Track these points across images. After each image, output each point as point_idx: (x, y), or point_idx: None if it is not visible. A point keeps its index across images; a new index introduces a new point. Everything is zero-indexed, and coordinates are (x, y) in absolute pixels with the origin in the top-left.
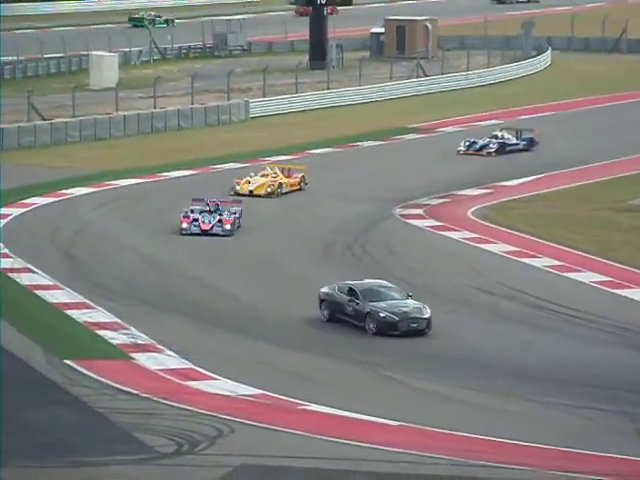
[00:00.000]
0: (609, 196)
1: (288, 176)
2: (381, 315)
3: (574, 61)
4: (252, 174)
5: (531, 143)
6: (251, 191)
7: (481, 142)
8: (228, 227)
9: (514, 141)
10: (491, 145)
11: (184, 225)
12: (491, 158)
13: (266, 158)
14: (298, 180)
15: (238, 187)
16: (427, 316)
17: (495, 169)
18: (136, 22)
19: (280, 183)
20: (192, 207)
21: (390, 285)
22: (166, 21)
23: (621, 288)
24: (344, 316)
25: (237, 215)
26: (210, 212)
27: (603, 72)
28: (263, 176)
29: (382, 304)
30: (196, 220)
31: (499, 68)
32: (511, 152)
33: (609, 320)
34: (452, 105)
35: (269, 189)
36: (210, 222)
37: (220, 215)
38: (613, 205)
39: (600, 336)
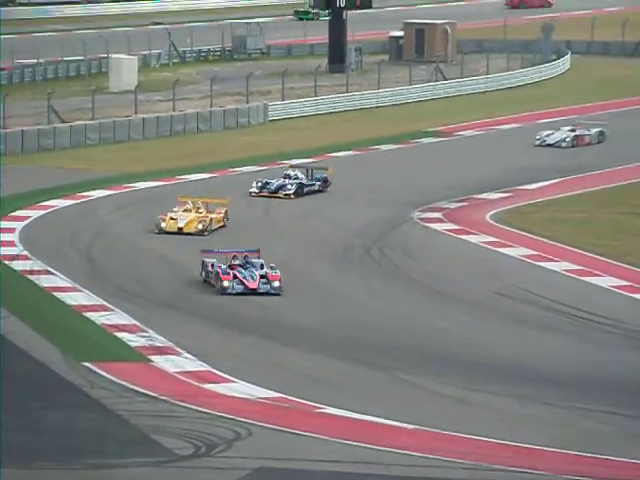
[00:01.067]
0: (629, 200)
1: (209, 211)
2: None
3: (593, 65)
4: (175, 209)
5: (325, 183)
6: (180, 228)
7: (276, 183)
8: (277, 284)
9: (308, 181)
10: (289, 187)
11: (225, 283)
12: None
13: (285, 161)
14: (222, 215)
15: (164, 224)
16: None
17: (512, 174)
18: (301, 15)
19: (210, 218)
20: (212, 261)
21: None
22: (329, 13)
23: None
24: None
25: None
26: (242, 265)
27: (622, 76)
28: (186, 211)
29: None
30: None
31: (519, 72)
32: (308, 193)
33: (628, 324)
34: (471, 109)
35: (200, 226)
36: (254, 279)
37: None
38: (632, 209)
39: (619, 340)
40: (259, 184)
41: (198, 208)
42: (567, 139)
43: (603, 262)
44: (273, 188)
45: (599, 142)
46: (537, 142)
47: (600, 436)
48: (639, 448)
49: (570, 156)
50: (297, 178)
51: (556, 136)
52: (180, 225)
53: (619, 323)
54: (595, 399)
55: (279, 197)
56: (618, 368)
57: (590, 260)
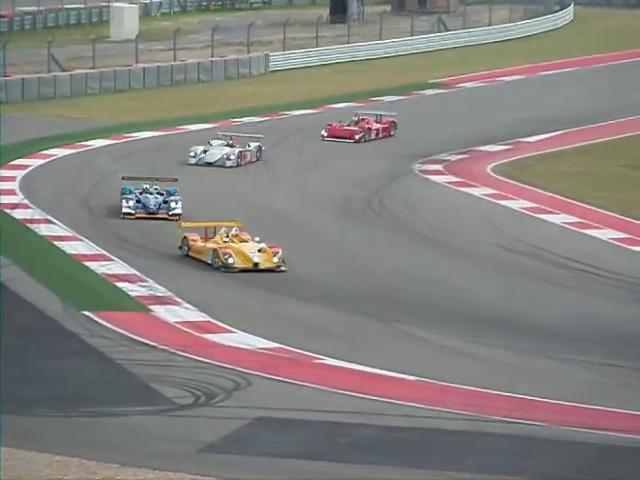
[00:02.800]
0: (630, 153)
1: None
2: None
3: (596, 16)
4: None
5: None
6: (256, 264)
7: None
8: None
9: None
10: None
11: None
12: (502, 113)
13: (286, 112)
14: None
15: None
16: None
17: (514, 126)
18: None
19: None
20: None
21: None
22: None
23: None
24: None
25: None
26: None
27: (626, 27)
28: (241, 240)
29: None
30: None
31: (521, 23)
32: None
33: (628, 277)
34: (473, 60)
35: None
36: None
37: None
38: (632, 162)
39: (619, 293)
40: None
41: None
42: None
43: (603, 215)
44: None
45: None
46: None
47: (600, 388)
48: (637, 399)
49: (575, 109)
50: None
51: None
52: (256, 261)
53: (619, 276)
54: (594, 351)
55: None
56: (618, 321)
57: (590, 213)
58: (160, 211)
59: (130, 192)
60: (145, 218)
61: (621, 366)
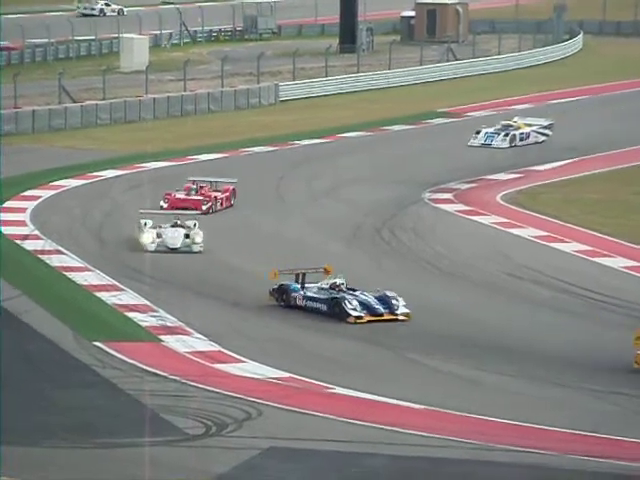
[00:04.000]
0: None
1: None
2: None
3: (605, 45)
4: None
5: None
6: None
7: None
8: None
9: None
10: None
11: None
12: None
13: (296, 142)
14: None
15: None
16: None
17: (525, 154)
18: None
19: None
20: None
21: None
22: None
23: None
24: None
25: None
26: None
27: (634, 56)
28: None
29: None
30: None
31: (530, 52)
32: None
33: (638, 305)
34: (482, 89)
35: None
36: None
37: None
38: None
39: (629, 322)
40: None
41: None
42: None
43: (614, 243)
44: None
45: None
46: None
47: (608, 416)
48: None
49: (585, 137)
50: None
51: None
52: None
53: (629, 304)
54: (605, 380)
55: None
56: (628, 349)
57: (601, 241)
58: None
59: None
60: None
61: (630, 394)
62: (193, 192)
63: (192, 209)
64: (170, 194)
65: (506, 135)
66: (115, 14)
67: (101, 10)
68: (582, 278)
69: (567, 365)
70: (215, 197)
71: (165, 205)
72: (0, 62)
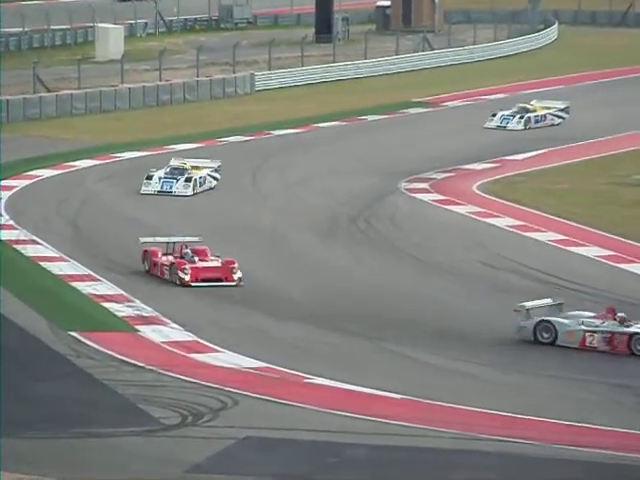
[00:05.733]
0: (614, 171)
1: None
2: None
3: (580, 35)
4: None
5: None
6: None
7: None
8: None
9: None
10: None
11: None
12: (496, 133)
13: (272, 131)
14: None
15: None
16: None
17: (500, 144)
18: None
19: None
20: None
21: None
22: None
23: (624, 262)
24: None
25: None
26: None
27: (609, 46)
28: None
29: None
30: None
31: (506, 42)
32: None
33: (612, 294)
34: (458, 79)
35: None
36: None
37: None
38: (617, 180)
39: (603, 309)
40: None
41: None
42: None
43: (588, 232)
44: None
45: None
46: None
47: (586, 404)
48: (623, 416)
49: (560, 127)
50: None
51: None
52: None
53: (603, 292)
54: (579, 368)
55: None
56: None
57: (575, 230)
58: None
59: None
60: None
61: (605, 382)
62: (189, 255)
63: (219, 280)
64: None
65: (521, 117)
66: None
67: None
68: (557, 267)
69: (541, 353)
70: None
71: (187, 277)
72: None
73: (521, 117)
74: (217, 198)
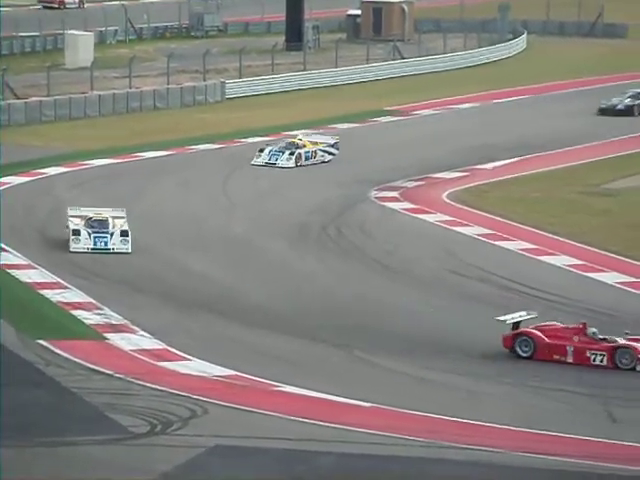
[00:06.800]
0: (583, 180)
1: None
2: None
3: (549, 45)
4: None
5: None
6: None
7: None
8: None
9: None
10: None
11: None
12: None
13: (242, 139)
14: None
15: None
16: None
17: (469, 153)
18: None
19: None
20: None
21: None
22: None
23: (594, 271)
24: None
25: None
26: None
27: (578, 56)
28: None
29: None
30: None
31: (475, 51)
32: None
33: (582, 303)
34: (428, 88)
35: None
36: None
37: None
38: (587, 189)
39: (573, 319)
40: None
41: None
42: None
43: (557, 241)
44: None
45: None
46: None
47: (552, 413)
48: (591, 425)
49: (530, 136)
50: None
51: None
52: None
53: (573, 302)
54: (548, 377)
55: None
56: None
57: (544, 239)
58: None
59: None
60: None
61: (574, 391)
62: None
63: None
64: None
65: (291, 154)
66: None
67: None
68: (526, 276)
69: (510, 362)
70: None
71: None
72: None
73: (291, 153)
74: (185, 204)
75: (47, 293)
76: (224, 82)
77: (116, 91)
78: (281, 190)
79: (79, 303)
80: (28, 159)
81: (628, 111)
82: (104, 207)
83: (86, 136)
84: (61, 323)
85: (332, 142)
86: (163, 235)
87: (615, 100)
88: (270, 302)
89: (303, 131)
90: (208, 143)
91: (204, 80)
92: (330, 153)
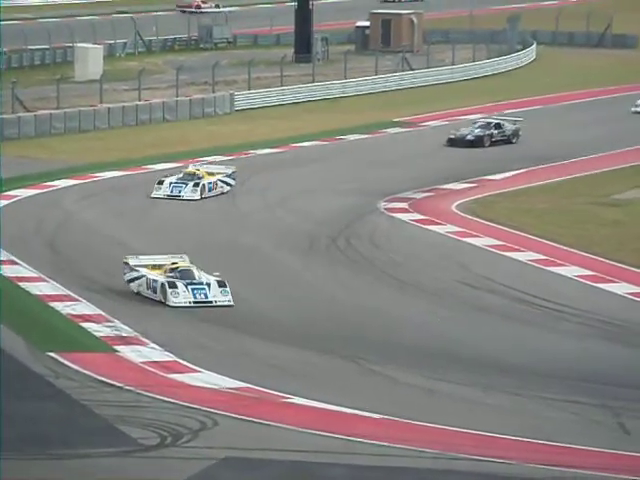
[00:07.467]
0: (593, 190)
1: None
2: None
3: (559, 55)
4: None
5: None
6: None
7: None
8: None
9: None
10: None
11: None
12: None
13: (251, 151)
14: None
15: None
16: None
17: (480, 162)
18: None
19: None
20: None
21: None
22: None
23: (604, 282)
24: None
25: None
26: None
27: (587, 67)
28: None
29: None
30: None
31: (484, 62)
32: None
33: (592, 314)
34: (437, 99)
35: None
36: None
37: None
38: (597, 199)
39: (582, 330)
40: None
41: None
42: None
43: (567, 252)
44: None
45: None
46: None
47: (564, 425)
48: (603, 436)
49: (539, 147)
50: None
51: None
52: None
53: (583, 312)
54: (559, 388)
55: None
56: (582, 358)
57: (554, 250)
58: None
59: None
60: None
61: (586, 403)
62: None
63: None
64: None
65: (196, 185)
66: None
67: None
68: (537, 287)
69: (521, 373)
70: None
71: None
72: None
73: (195, 184)
74: (198, 216)
75: (57, 305)
76: (233, 94)
77: (125, 104)
78: (289, 201)
79: (89, 315)
80: (37, 171)
81: (478, 142)
82: (161, 254)
83: (95, 148)
84: (71, 335)
85: (229, 172)
86: (171, 247)
87: (465, 130)
88: (280, 314)
89: (198, 161)
90: (217, 155)
91: (213, 92)
92: (227, 184)
